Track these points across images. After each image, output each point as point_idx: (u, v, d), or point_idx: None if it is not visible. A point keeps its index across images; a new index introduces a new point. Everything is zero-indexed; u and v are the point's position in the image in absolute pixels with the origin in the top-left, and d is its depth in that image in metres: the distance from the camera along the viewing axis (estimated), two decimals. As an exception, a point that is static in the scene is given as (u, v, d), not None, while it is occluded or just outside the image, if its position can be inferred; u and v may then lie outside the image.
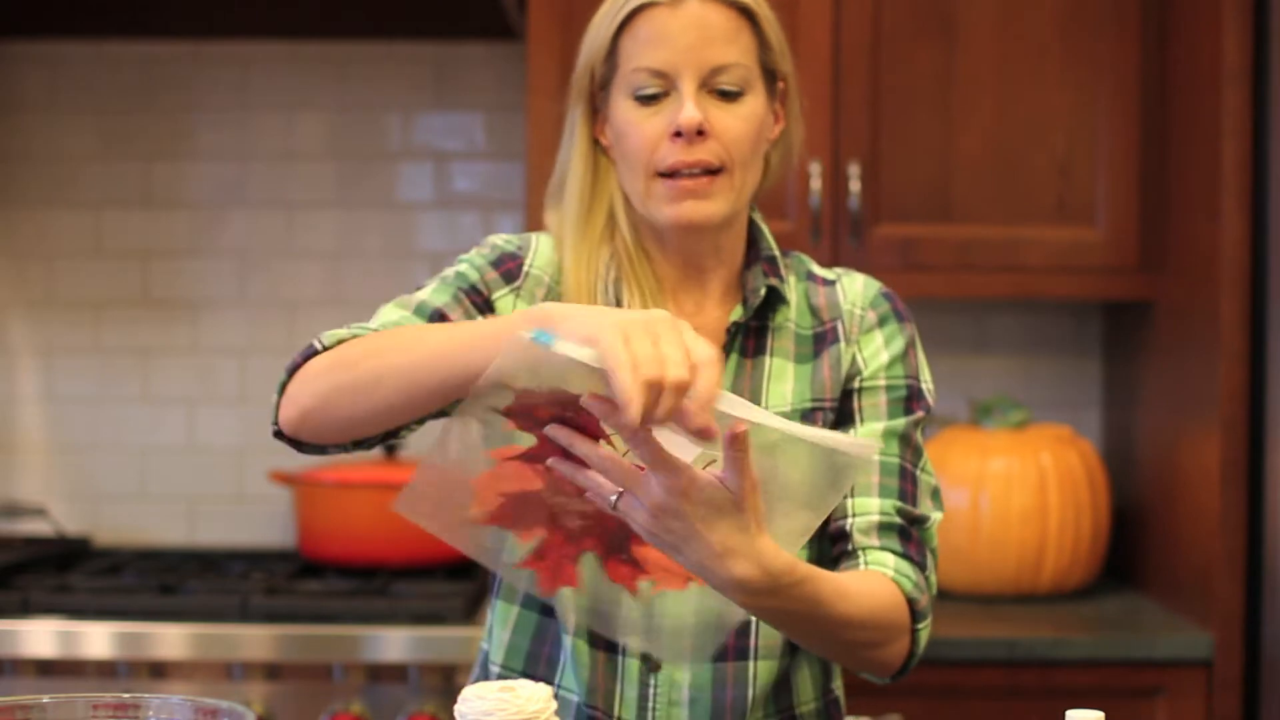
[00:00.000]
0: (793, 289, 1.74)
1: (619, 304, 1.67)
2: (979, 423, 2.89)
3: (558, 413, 1.38)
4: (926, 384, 1.73)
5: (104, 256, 3.19)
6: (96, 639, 2.50)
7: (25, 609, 2.56)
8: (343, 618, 2.53)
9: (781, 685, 1.69)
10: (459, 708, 1.33)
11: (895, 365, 1.71)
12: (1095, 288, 2.82)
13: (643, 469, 1.35)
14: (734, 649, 1.65)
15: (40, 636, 2.50)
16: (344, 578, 2.79)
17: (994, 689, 2.53)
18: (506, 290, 1.68)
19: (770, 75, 1.67)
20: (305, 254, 3.19)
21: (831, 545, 1.66)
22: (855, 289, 1.74)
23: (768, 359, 1.70)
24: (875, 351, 1.71)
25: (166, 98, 3.19)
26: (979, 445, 2.82)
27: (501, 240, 1.74)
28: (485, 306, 1.67)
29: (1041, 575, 2.78)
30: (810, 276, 1.77)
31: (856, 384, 1.70)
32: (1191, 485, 2.67)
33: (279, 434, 1.63)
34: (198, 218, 3.19)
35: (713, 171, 1.62)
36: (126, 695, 1.30)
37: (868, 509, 1.64)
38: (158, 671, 2.50)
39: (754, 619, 1.65)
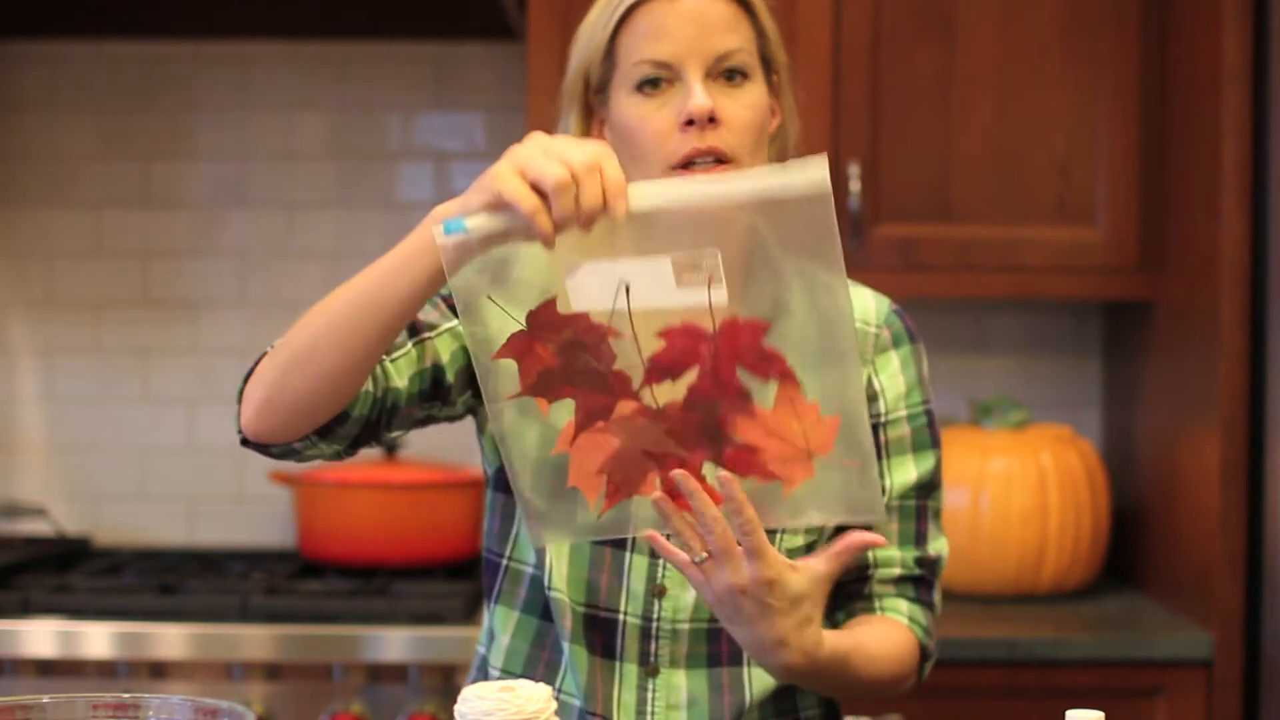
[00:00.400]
0: None
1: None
2: (979, 423, 2.89)
3: (567, 358, 1.38)
4: (930, 389, 1.75)
5: (104, 256, 3.19)
6: (96, 639, 2.50)
7: (25, 609, 2.56)
8: (343, 618, 2.53)
9: (784, 691, 1.69)
10: (459, 708, 1.33)
11: (913, 392, 1.72)
12: (1095, 288, 2.81)
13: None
14: (728, 654, 1.65)
15: (40, 636, 2.50)
16: (344, 578, 2.79)
17: (994, 689, 2.53)
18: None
19: (767, 65, 1.66)
20: (305, 254, 3.19)
21: (845, 580, 1.69)
22: (864, 304, 1.73)
23: None
24: (892, 376, 1.71)
25: (166, 98, 3.19)
26: (979, 445, 2.81)
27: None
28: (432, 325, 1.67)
29: (1041, 575, 2.78)
30: None
31: (882, 424, 1.70)
32: (1191, 485, 2.67)
33: (244, 441, 1.59)
34: (198, 218, 3.19)
35: (724, 161, 1.60)
36: (126, 695, 1.30)
37: (890, 562, 1.70)
38: (158, 671, 2.50)
39: None
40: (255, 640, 2.49)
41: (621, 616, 1.65)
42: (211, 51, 3.18)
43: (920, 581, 1.71)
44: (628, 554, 1.65)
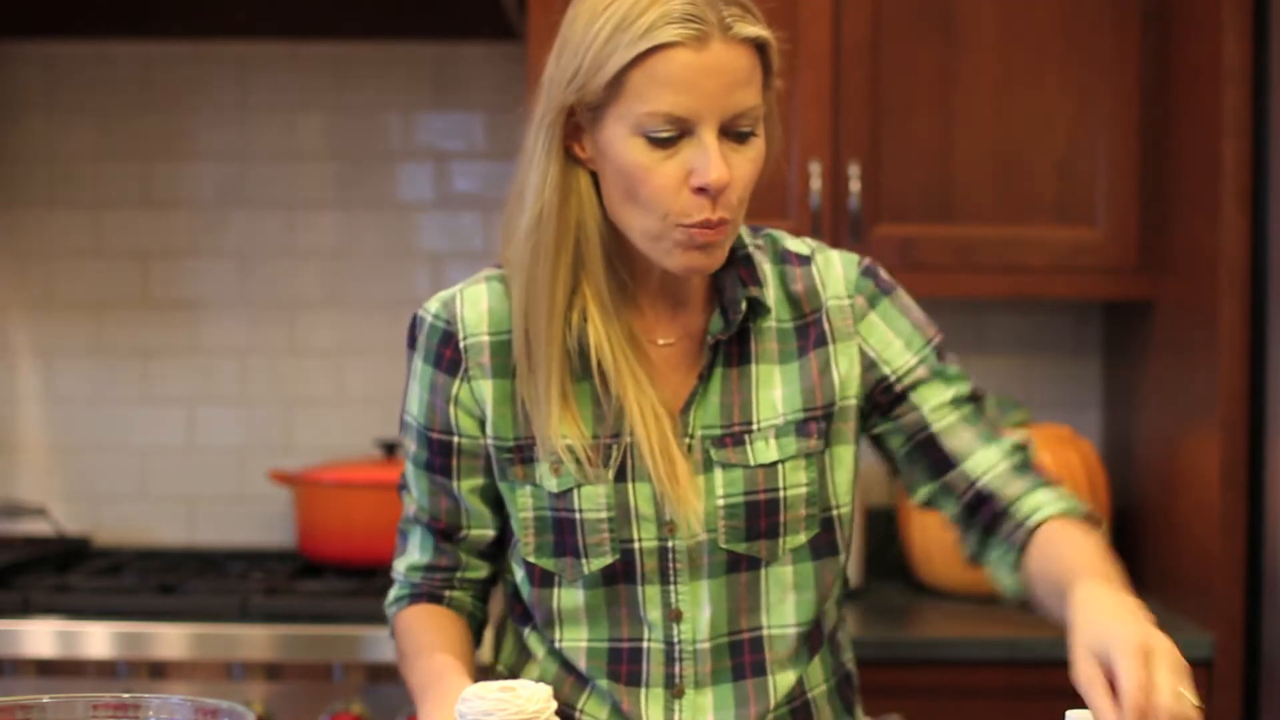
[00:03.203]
0: (769, 281, 1.68)
1: (583, 347, 1.62)
2: (979, 423, 2.88)
3: None
4: (937, 330, 1.73)
5: (104, 256, 3.19)
6: (96, 639, 2.50)
7: (25, 609, 2.56)
8: (343, 618, 2.53)
9: (796, 681, 1.69)
10: (459, 708, 1.33)
11: (913, 340, 1.70)
12: (1095, 288, 2.81)
13: None
14: (751, 665, 1.65)
15: (40, 636, 2.50)
16: (344, 578, 2.79)
17: (994, 689, 2.53)
18: (457, 381, 1.69)
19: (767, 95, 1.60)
20: (305, 254, 3.19)
21: (967, 511, 1.67)
22: (834, 275, 1.70)
23: (753, 366, 1.66)
24: (885, 340, 1.69)
25: (166, 98, 3.19)
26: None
27: (431, 316, 1.71)
28: (448, 439, 1.70)
29: (1041, 575, 2.78)
30: (784, 257, 1.71)
31: (894, 384, 1.68)
32: (1191, 485, 2.67)
33: None
34: (198, 218, 3.19)
35: (724, 223, 1.56)
36: (126, 695, 1.30)
37: (986, 462, 1.67)
38: (158, 671, 2.50)
39: (766, 634, 1.66)
40: (255, 640, 2.49)
41: (645, 644, 1.65)
42: (211, 51, 3.18)
43: (1029, 465, 1.68)
44: (639, 587, 1.65)
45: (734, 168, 1.53)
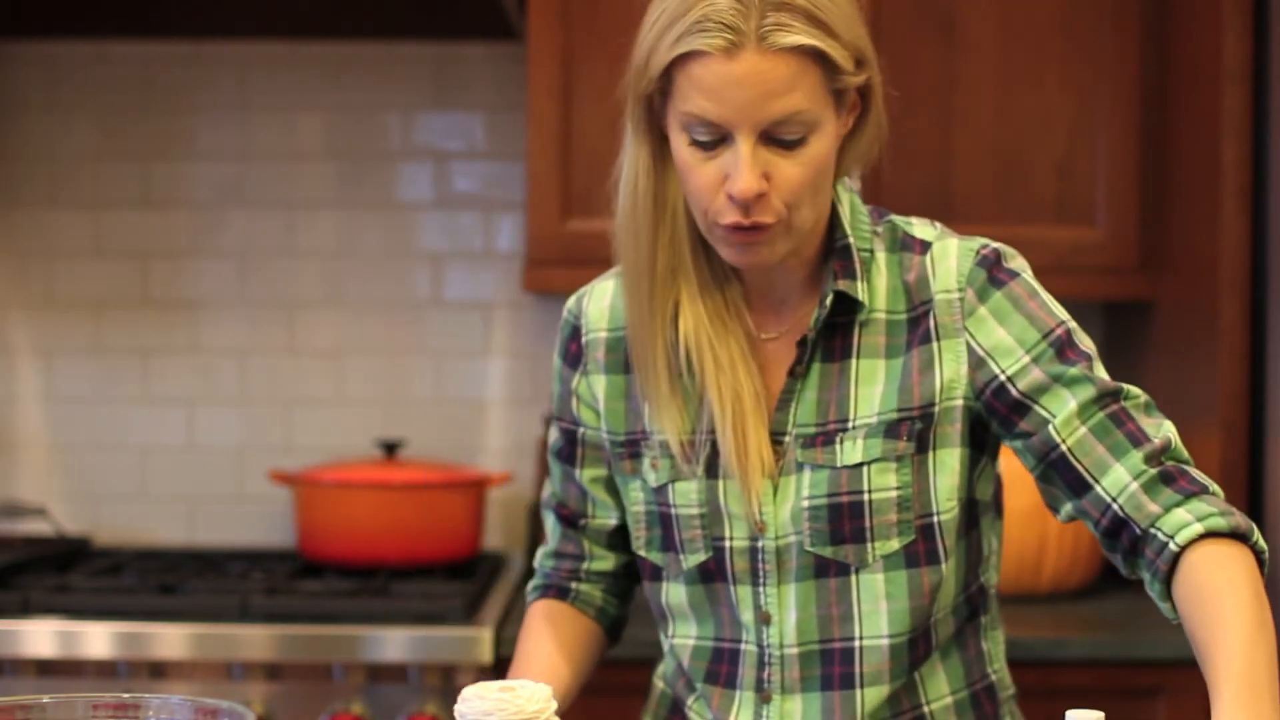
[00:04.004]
0: (881, 269, 1.62)
1: (678, 338, 1.61)
2: (979, 423, 2.89)
3: None
4: (1064, 320, 1.59)
5: (104, 256, 3.19)
6: (96, 639, 2.50)
7: (25, 609, 2.56)
8: (343, 618, 2.53)
9: (902, 690, 1.64)
10: (459, 708, 1.33)
11: (1026, 334, 1.58)
12: (1095, 288, 2.81)
13: None
14: (839, 677, 1.62)
15: (40, 636, 2.50)
16: (344, 578, 2.79)
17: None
18: (578, 374, 1.73)
19: (841, 92, 1.55)
20: (305, 254, 3.19)
21: (1108, 536, 1.54)
22: (947, 267, 1.60)
23: (854, 361, 1.61)
24: (994, 337, 1.58)
25: (166, 98, 3.19)
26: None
27: (566, 311, 1.75)
28: (573, 428, 1.74)
29: (1041, 575, 2.78)
30: (904, 244, 1.64)
31: (1007, 387, 1.57)
32: (1191, 485, 2.67)
33: None
34: (198, 218, 3.19)
35: (767, 227, 1.53)
36: (126, 695, 1.30)
37: (1121, 481, 1.52)
38: (158, 671, 2.50)
39: (858, 645, 1.62)
40: (255, 640, 2.49)
41: (742, 646, 1.65)
42: (211, 51, 3.18)
43: (1168, 476, 1.52)
44: (730, 586, 1.64)
45: (777, 172, 1.50)
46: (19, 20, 3.05)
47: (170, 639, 2.50)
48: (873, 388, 1.60)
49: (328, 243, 3.19)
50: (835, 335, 1.62)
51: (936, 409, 1.59)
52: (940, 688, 1.66)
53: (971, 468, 1.63)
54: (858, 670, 1.61)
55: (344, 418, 3.18)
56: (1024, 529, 2.76)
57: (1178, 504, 1.50)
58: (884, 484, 1.59)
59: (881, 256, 1.63)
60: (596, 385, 1.71)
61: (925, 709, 1.65)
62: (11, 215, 3.19)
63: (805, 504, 1.60)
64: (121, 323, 3.19)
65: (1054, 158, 2.79)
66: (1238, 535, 1.48)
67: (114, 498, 3.19)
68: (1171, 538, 1.48)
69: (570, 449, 1.75)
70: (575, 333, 1.73)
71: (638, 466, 1.68)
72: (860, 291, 1.60)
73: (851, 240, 1.62)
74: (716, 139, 1.50)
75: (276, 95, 3.18)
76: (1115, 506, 1.52)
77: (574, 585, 1.78)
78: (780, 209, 1.52)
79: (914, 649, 1.63)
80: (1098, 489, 1.53)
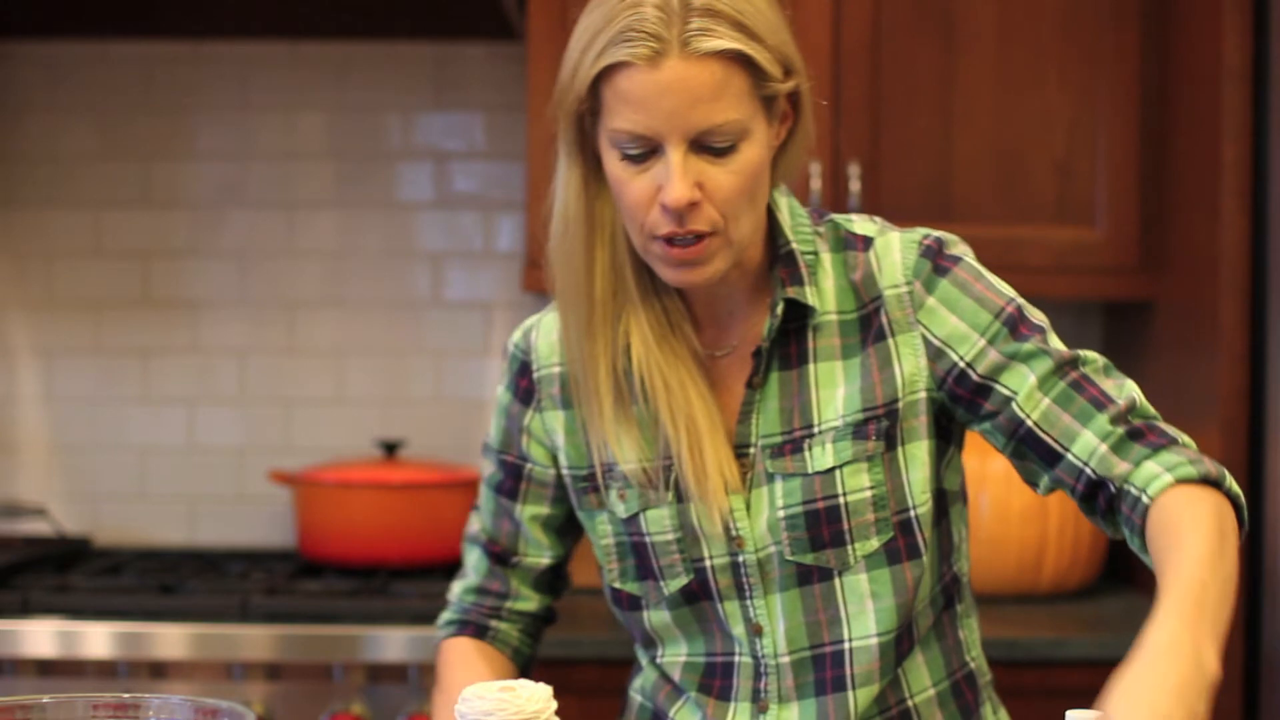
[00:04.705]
0: (828, 270, 1.61)
1: (630, 359, 1.60)
2: (979, 423, 2.89)
3: None
4: (1013, 298, 1.60)
5: (104, 256, 3.19)
6: (96, 639, 2.50)
7: (25, 609, 2.56)
8: (343, 618, 2.53)
9: (888, 687, 1.64)
10: (459, 708, 1.33)
11: (978, 317, 1.58)
12: (1095, 288, 2.81)
13: None
14: (831, 680, 1.62)
15: (40, 636, 2.50)
16: (344, 578, 2.79)
17: (994, 689, 2.52)
18: (530, 411, 1.71)
19: (770, 99, 1.52)
20: (305, 254, 3.19)
21: (1085, 501, 1.55)
22: (891, 261, 1.60)
23: (812, 366, 1.60)
24: (947, 325, 1.58)
25: (166, 98, 3.19)
26: (979, 445, 2.80)
27: (512, 345, 1.73)
28: (520, 463, 1.73)
29: (1041, 575, 2.78)
30: (847, 242, 1.63)
31: (967, 372, 1.57)
32: (1191, 485, 2.67)
33: None
34: (198, 218, 3.19)
35: (704, 236, 1.51)
36: (126, 695, 1.30)
37: (1089, 445, 1.52)
38: (158, 671, 2.50)
39: (848, 647, 1.61)
40: (255, 640, 2.49)
41: (736, 659, 1.64)
42: (211, 51, 3.18)
43: (1137, 434, 1.52)
44: (718, 603, 1.63)
45: (710, 182, 1.49)
46: (19, 20, 3.05)
47: (170, 639, 2.50)
48: (834, 390, 1.60)
49: (328, 243, 3.19)
50: (789, 342, 1.61)
51: (901, 404, 1.59)
52: (922, 680, 1.66)
53: (939, 458, 1.63)
54: (849, 672, 1.61)
55: (344, 418, 3.18)
56: (1024, 529, 2.76)
57: (1147, 458, 1.51)
58: (858, 485, 1.59)
59: (826, 257, 1.63)
60: (553, 421, 1.69)
61: (910, 703, 1.65)
62: (11, 215, 3.19)
63: (781, 514, 1.59)
64: (121, 323, 3.19)
65: (1054, 158, 2.79)
66: (1209, 481, 1.48)
67: (114, 498, 3.19)
68: (1144, 490, 1.49)
69: (514, 484, 1.73)
70: (525, 369, 1.71)
71: (604, 499, 1.66)
72: (810, 296, 1.60)
73: (795, 245, 1.62)
74: (647, 151, 1.49)
75: (276, 95, 3.18)
76: (1088, 470, 1.53)
77: (493, 623, 1.76)
78: (716, 219, 1.51)
79: (900, 645, 1.63)
80: (1069, 457, 1.54)
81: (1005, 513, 2.76)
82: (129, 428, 3.19)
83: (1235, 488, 1.50)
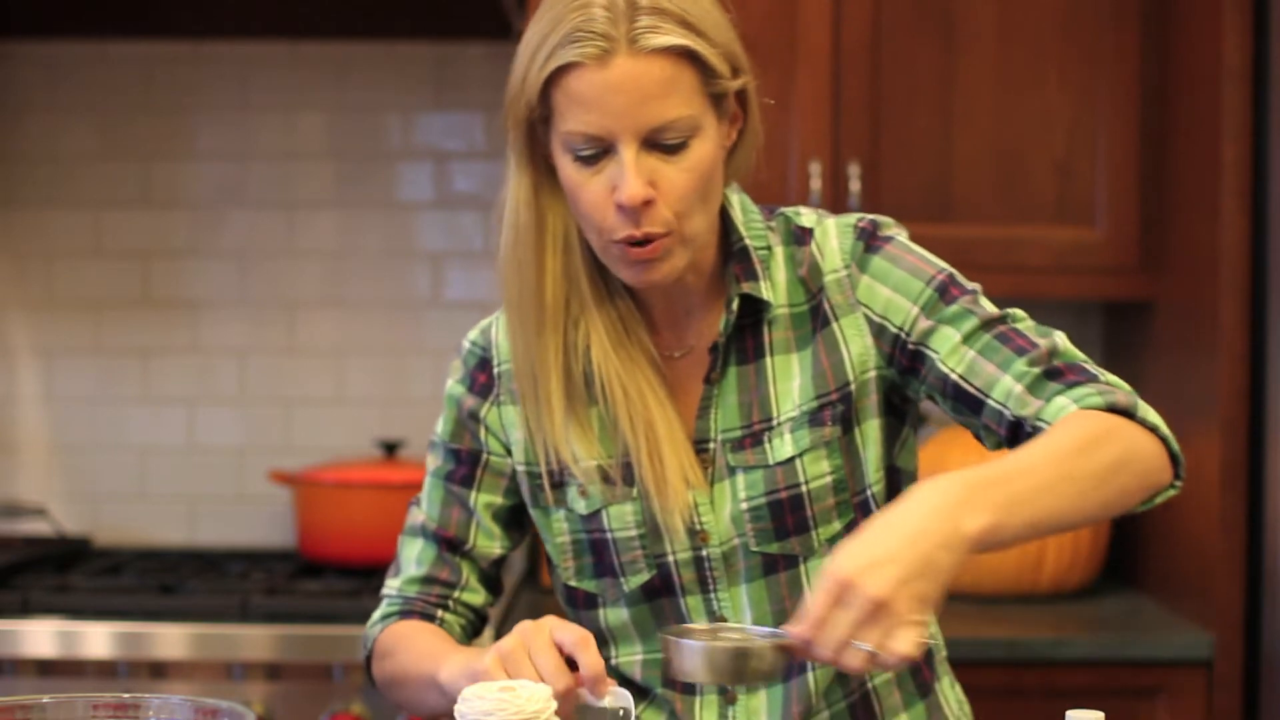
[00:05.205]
0: (780, 264, 1.63)
1: (590, 360, 1.61)
2: (979, 423, 2.89)
3: None
4: (944, 267, 1.62)
5: (104, 256, 3.19)
6: (96, 639, 2.50)
7: (25, 609, 2.56)
8: (343, 618, 2.53)
9: (841, 675, 1.64)
10: (459, 708, 1.33)
11: (909, 286, 1.60)
12: (1095, 288, 2.82)
13: None
14: (795, 666, 1.62)
15: (40, 636, 2.50)
16: (344, 578, 2.79)
17: (994, 689, 2.53)
18: (487, 404, 1.70)
19: (719, 97, 1.53)
20: (305, 254, 3.19)
21: (1011, 446, 1.54)
22: (830, 248, 1.62)
23: (768, 359, 1.63)
24: (882, 299, 1.60)
25: (166, 98, 3.19)
26: (979, 445, 2.81)
27: (469, 343, 1.73)
28: (476, 451, 1.71)
29: (1041, 575, 2.78)
30: (796, 236, 1.65)
31: (906, 341, 1.59)
32: (1191, 485, 2.67)
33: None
34: (198, 218, 3.19)
35: (661, 238, 1.52)
36: (126, 695, 1.30)
37: (1007, 387, 1.54)
38: (158, 671, 2.50)
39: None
40: (255, 640, 2.49)
41: None
42: (211, 51, 3.18)
43: (1053, 372, 1.54)
44: (680, 598, 1.64)
45: (663, 180, 1.50)
46: (19, 20, 3.06)
47: (170, 639, 2.50)
48: (790, 383, 1.62)
49: (328, 243, 3.19)
50: (746, 336, 1.63)
51: (853, 386, 1.61)
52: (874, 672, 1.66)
53: (893, 436, 1.64)
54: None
55: (344, 418, 3.18)
56: (1024, 529, 2.76)
57: (1060, 393, 1.52)
58: (818, 472, 1.60)
59: (779, 251, 1.64)
60: (512, 416, 1.68)
61: (869, 684, 1.66)
62: (11, 215, 3.19)
63: (744, 506, 1.60)
64: (121, 323, 3.19)
65: (1054, 158, 2.79)
66: (1116, 409, 1.48)
67: (114, 498, 3.19)
68: (1049, 424, 1.50)
69: (469, 471, 1.71)
70: (484, 364, 1.71)
71: (562, 497, 1.66)
72: (764, 291, 1.62)
73: (748, 241, 1.63)
74: (600, 151, 1.50)
75: (276, 95, 3.18)
76: (1006, 412, 1.54)
77: (439, 614, 1.72)
78: (669, 218, 1.52)
79: None
80: (990, 402, 1.56)
81: (1005, 513, 2.76)
82: (129, 428, 3.19)
83: (1153, 418, 1.51)
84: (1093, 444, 1.44)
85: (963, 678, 2.52)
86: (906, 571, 1.31)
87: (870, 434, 1.62)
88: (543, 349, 1.61)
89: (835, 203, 2.74)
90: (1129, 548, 2.96)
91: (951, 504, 1.35)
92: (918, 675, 1.69)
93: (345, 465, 2.96)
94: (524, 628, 1.43)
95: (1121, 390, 1.52)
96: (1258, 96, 2.53)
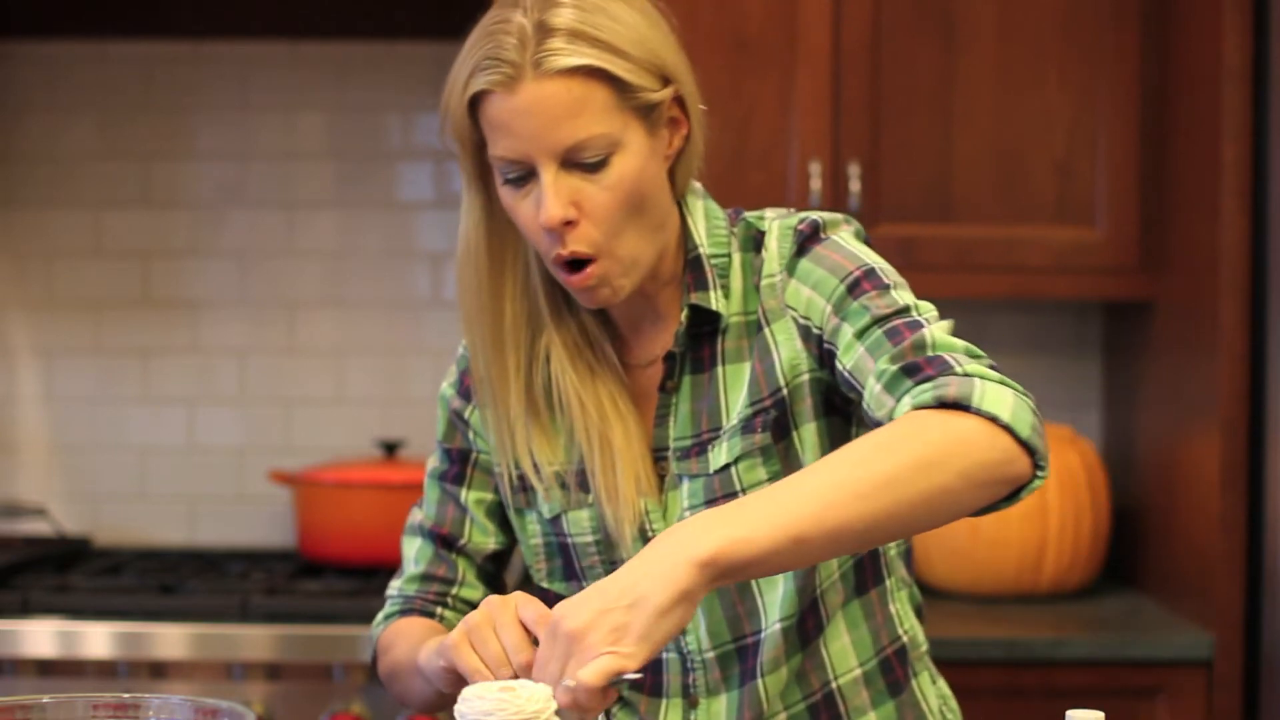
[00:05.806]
0: (737, 272, 1.62)
1: (551, 377, 1.63)
2: (979, 423, 2.88)
3: None
4: (865, 262, 1.56)
5: (104, 256, 3.19)
6: (96, 639, 2.50)
7: (25, 609, 2.56)
8: (343, 618, 2.53)
9: (811, 670, 1.65)
10: (459, 708, 1.33)
11: (825, 284, 1.56)
12: (1095, 288, 2.82)
13: None
14: (747, 671, 1.64)
15: (40, 636, 2.50)
16: (344, 578, 2.79)
17: (994, 689, 2.53)
18: (470, 406, 1.72)
19: (647, 109, 1.53)
20: (305, 254, 3.19)
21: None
22: (770, 253, 1.60)
23: (719, 369, 1.62)
24: (805, 299, 1.58)
25: (166, 98, 3.19)
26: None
27: (462, 347, 1.75)
28: (466, 450, 1.73)
29: (1041, 575, 2.78)
30: (756, 243, 1.63)
31: (825, 339, 1.56)
32: (1191, 485, 2.67)
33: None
34: (198, 218, 3.19)
35: (589, 261, 1.52)
36: (126, 695, 1.30)
37: (871, 388, 1.48)
38: (158, 671, 2.50)
39: (762, 637, 1.62)
40: (255, 640, 2.50)
41: (664, 655, 1.65)
42: (211, 51, 3.18)
43: (911, 368, 1.46)
44: None
45: (587, 200, 1.51)
46: (19, 20, 3.06)
47: (170, 639, 2.50)
48: (739, 392, 1.61)
49: (328, 243, 3.19)
50: (703, 345, 1.63)
51: (785, 391, 1.59)
52: (848, 661, 1.66)
53: (840, 437, 1.61)
54: (758, 661, 1.63)
55: (344, 418, 3.18)
56: (1024, 529, 2.77)
57: (906, 392, 1.45)
58: (754, 479, 1.60)
59: (737, 258, 1.63)
60: (488, 419, 1.70)
61: (833, 685, 1.65)
62: (11, 215, 3.19)
63: (687, 514, 1.61)
64: (121, 322, 3.19)
65: (1054, 158, 2.79)
66: (944, 404, 1.40)
67: (114, 498, 3.19)
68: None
69: (459, 469, 1.73)
70: (467, 370, 1.73)
71: (531, 499, 1.68)
72: (714, 301, 1.61)
73: (703, 250, 1.62)
74: (525, 174, 1.52)
75: (276, 95, 3.18)
76: (869, 414, 1.49)
77: (439, 610, 1.74)
78: (596, 238, 1.52)
79: (803, 626, 1.63)
80: (862, 402, 1.51)
81: (1005, 513, 2.74)
82: (129, 428, 3.19)
83: (992, 409, 1.40)
84: (884, 446, 1.37)
85: (962, 678, 2.52)
86: (606, 602, 1.31)
87: (808, 438, 1.61)
88: (501, 364, 1.63)
89: (835, 203, 2.74)
90: (1129, 548, 2.96)
91: (681, 534, 1.33)
92: (889, 674, 1.68)
93: (345, 465, 2.96)
94: (491, 602, 1.43)
95: (953, 383, 1.41)
96: (1258, 96, 2.53)
